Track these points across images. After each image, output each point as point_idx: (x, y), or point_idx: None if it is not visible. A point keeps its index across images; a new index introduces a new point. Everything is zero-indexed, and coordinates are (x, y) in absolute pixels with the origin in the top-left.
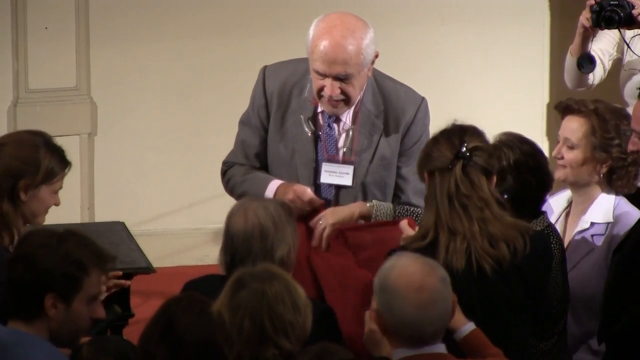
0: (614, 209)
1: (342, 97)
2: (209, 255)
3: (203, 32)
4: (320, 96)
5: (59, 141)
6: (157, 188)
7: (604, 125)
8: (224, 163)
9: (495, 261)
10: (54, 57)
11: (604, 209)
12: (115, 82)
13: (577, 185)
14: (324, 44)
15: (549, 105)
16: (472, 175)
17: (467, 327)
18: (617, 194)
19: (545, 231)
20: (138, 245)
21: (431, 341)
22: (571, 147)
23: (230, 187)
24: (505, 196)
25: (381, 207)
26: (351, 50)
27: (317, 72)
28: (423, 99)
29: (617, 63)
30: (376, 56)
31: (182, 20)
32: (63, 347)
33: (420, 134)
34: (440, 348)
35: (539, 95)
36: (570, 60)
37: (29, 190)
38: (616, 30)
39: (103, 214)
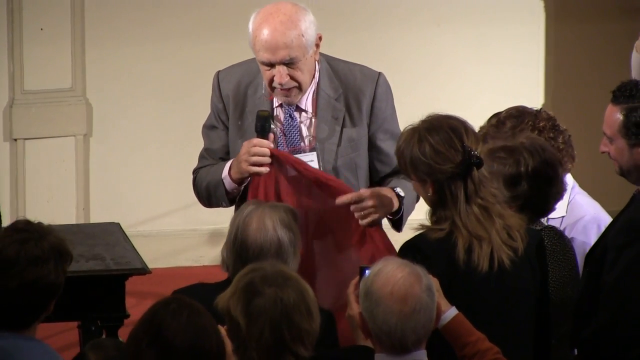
0: (568, 203)
1: (293, 83)
2: (204, 257)
3: (198, 33)
4: (273, 88)
5: (55, 142)
6: (153, 189)
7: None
8: (193, 172)
9: (513, 251)
10: (49, 58)
11: (558, 203)
12: (110, 83)
13: None
14: (264, 33)
15: (544, 106)
16: (482, 176)
17: (449, 313)
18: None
19: (541, 230)
20: (133, 246)
21: (413, 349)
22: None
23: (197, 187)
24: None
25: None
26: (292, 34)
27: (263, 63)
28: (380, 74)
29: None
30: (320, 38)
31: (177, 21)
32: None
33: (388, 108)
34: (421, 355)
35: (535, 96)
36: (635, 57)
37: None
38: None
39: (98, 215)
